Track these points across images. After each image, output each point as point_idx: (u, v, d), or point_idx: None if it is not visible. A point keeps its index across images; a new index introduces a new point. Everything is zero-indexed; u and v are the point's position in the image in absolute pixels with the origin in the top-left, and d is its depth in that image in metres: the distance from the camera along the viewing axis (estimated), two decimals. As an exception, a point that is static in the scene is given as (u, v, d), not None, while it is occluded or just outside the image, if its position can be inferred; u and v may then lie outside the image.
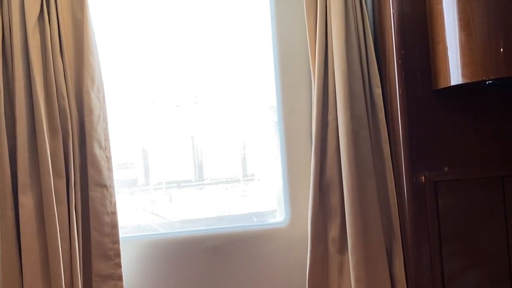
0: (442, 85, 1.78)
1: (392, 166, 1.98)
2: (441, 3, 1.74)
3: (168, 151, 2.26)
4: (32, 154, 1.83)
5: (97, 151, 1.90)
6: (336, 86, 1.97)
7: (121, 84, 2.15)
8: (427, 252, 1.85)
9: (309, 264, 1.99)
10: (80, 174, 1.91)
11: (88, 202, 1.90)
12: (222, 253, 2.09)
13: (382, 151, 1.99)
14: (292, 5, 2.10)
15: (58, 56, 1.86)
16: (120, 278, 1.90)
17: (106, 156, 1.92)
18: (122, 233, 1.96)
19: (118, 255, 1.90)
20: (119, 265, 1.90)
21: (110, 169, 1.92)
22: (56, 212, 1.81)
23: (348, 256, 1.96)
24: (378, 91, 2.00)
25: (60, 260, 1.80)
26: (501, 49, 1.62)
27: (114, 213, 1.92)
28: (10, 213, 1.82)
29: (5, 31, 1.83)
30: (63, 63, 1.87)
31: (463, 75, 1.68)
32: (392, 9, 1.86)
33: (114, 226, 1.91)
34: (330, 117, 2.00)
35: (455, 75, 1.71)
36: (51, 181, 1.81)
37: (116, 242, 1.91)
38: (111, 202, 1.91)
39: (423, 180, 1.86)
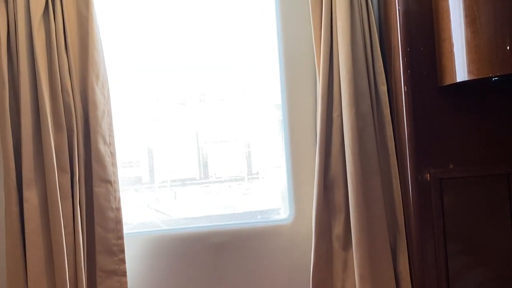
0: (448, 82, 1.77)
1: (397, 163, 1.98)
2: (447, 0, 1.74)
3: (173, 149, 2.26)
4: (36, 149, 1.83)
5: (102, 146, 1.90)
6: (341, 83, 1.98)
7: (126, 81, 2.16)
8: (432, 250, 1.85)
9: (313, 260, 1.99)
10: (85, 170, 1.91)
11: (92, 198, 1.90)
12: (226, 249, 2.10)
13: (387, 148, 2.00)
14: (297, 2, 2.11)
15: (63, 52, 1.86)
16: (124, 273, 1.91)
17: (111, 152, 1.92)
18: (126, 230, 1.96)
19: (122, 250, 1.91)
20: (123, 261, 1.91)
21: (114, 164, 1.93)
22: (60, 207, 1.82)
23: (353, 253, 1.97)
24: (383, 88, 2.00)
25: (64, 255, 1.81)
26: (508, 46, 1.62)
27: (118, 209, 1.92)
28: (15, 208, 1.82)
29: (10, 27, 1.83)
30: (68, 59, 1.87)
31: (469, 71, 1.68)
32: (398, 6, 1.87)
33: (119, 221, 1.91)
34: (335, 114, 2.00)
35: (461, 72, 1.71)
36: (56, 176, 1.82)
37: (120, 237, 1.91)
38: (115, 197, 1.92)
39: (428, 178, 1.86)
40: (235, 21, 2.21)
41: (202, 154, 2.30)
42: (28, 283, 1.81)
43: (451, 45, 1.74)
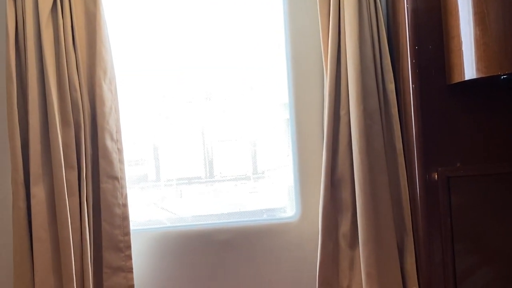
0: (456, 80, 1.77)
1: (405, 161, 1.98)
2: None
3: (178, 147, 2.27)
4: (44, 146, 1.84)
5: (109, 143, 1.91)
6: (348, 81, 1.97)
7: (133, 80, 2.17)
8: (439, 249, 1.85)
9: (320, 258, 1.99)
10: (92, 166, 1.91)
11: (99, 194, 1.91)
12: (232, 246, 2.11)
13: (394, 146, 2.00)
14: (305, 11, 2.12)
15: (71, 48, 1.87)
16: (130, 270, 1.91)
17: (118, 148, 1.93)
18: (132, 226, 1.97)
19: (128, 247, 1.92)
20: (129, 257, 1.92)
21: (121, 161, 1.94)
22: (67, 203, 1.83)
23: (359, 251, 1.97)
24: (391, 86, 2.00)
25: (71, 251, 1.82)
26: None
27: (125, 205, 1.93)
28: (22, 204, 1.83)
29: (18, 23, 1.84)
30: (75, 55, 1.88)
31: (478, 69, 1.68)
32: (406, 4, 1.86)
33: (125, 218, 1.92)
34: (342, 112, 2.00)
35: (470, 70, 1.70)
36: (63, 173, 1.83)
37: (127, 234, 1.92)
38: (122, 194, 1.93)
39: (436, 176, 1.85)
40: (242, 19, 2.21)
41: (208, 152, 2.30)
42: (35, 279, 1.82)
43: (460, 43, 1.73)
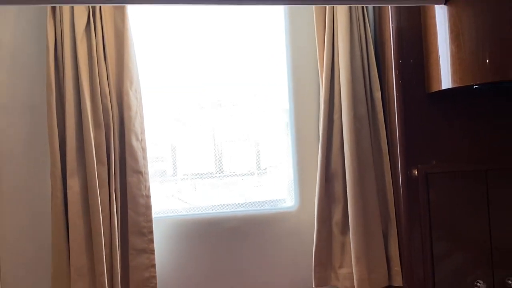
0: (435, 89, 1.77)
1: (389, 159, 1.98)
2: (434, 17, 1.74)
3: (193, 146, 2.26)
4: (79, 144, 1.84)
5: (134, 142, 1.90)
6: (341, 90, 1.98)
7: (155, 91, 2.17)
8: (418, 235, 1.84)
9: (315, 243, 1.99)
10: (120, 162, 1.91)
11: (126, 186, 1.90)
12: (239, 232, 2.09)
13: (380, 147, 1.99)
14: (303, 19, 2.10)
15: (102, 61, 1.87)
16: (152, 251, 1.91)
17: (142, 147, 1.92)
18: (154, 214, 1.96)
19: (151, 232, 1.91)
20: (151, 241, 1.91)
21: (145, 158, 1.93)
22: (98, 194, 1.83)
23: (350, 237, 1.97)
24: (378, 94, 1.99)
25: (101, 235, 1.82)
26: (487, 59, 1.62)
27: (148, 196, 1.92)
28: (60, 194, 1.83)
29: (57, 39, 1.84)
30: (106, 67, 1.88)
31: (453, 80, 1.68)
32: (391, 23, 1.86)
33: (148, 207, 1.92)
34: (336, 117, 2.00)
35: (446, 80, 1.71)
36: (95, 168, 1.83)
37: (150, 221, 1.91)
38: (145, 186, 1.92)
39: (416, 173, 1.84)
40: (249, 38, 2.21)
41: (218, 151, 2.30)
42: (70, 258, 1.82)
43: (438, 57, 1.74)
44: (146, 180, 1.92)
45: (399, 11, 1.83)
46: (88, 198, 1.83)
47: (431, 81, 1.80)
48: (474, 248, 1.85)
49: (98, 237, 1.81)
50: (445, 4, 1.67)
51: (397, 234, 1.96)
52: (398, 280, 1.94)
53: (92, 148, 1.83)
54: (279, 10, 2.17)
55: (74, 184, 1.83)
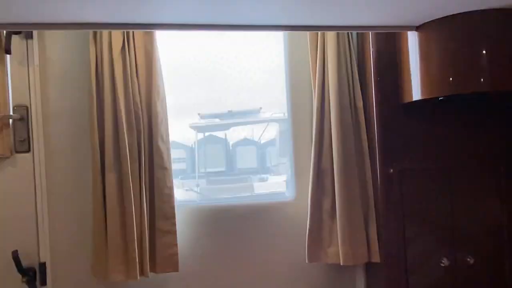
0: (407, 100, 1.78)
1: (370, 159, 1.98)
2: (407, 41, 1.73)
3: (208, 149, 2.32)
4: (115, 145, 1.86)
5: (160, 143, 1.92)
6: (330, 101, 1.98)
7: (177, 102, 2.17)
8: (393, 221, 1.86)
9: (309, 227, 2.01)
10: (149, 160, 1.93)
11: (153, 180, 1.92)
12: (246, 218, 2.10)
13: (362, 148, 2.00)
14: (300, 47, 2.11)
15: (134, 76, 1.89)
16: (175, 232, 1.92)
17: (167, 148, 1.94)
18: (176, 203, 1.96)
19: (174, 216, 1.93)
20: (174, 224, 1.92)
21: (169, 156, 1.94)
22: (131, 186, 1.85)
23: (337, 222, 1.98)
24: (360, 105, 2.00)
25: (133, 219, 1.84)
26: (450, 77, 1.61)
27: (171, 187, 1.93)
28: (100, 186, 1.85)
29: (98, 58, 1.87)
30: (138, 82, 1.90)
31: (422, 93, 1.68)
32: (371, 47, 1.88)
33: (171, 196, 1.93)
34: (326, 123, 2.01)
35: (416, 93, 1.71)
36: (128, 164, 1.85)
37: (173, 207, 1.93)
38: (169, 179, 1.93)
39: (391, 170, 1.85)
40: (254, 59, 2.21)
41: (229, 153, 2.34)
42: (108, 239, 1.85)
43: (410, 74, 1.73)
44: (170, 175, 1.93)
45: (378, 36, 1.84)
46: (122, 189, 1.85)
47: (404, 93, 1.80)
48: (440, 231, 1.86)
49: (130, 221, 1.83)
50: (416, 30, 1.66)
51: (376, 220, 1.97)
52: (376, 258, 1.95)
53: (126, 147, 1.84)
54: (279, 39, 2.16)
55: (111, 178, 1.84)
